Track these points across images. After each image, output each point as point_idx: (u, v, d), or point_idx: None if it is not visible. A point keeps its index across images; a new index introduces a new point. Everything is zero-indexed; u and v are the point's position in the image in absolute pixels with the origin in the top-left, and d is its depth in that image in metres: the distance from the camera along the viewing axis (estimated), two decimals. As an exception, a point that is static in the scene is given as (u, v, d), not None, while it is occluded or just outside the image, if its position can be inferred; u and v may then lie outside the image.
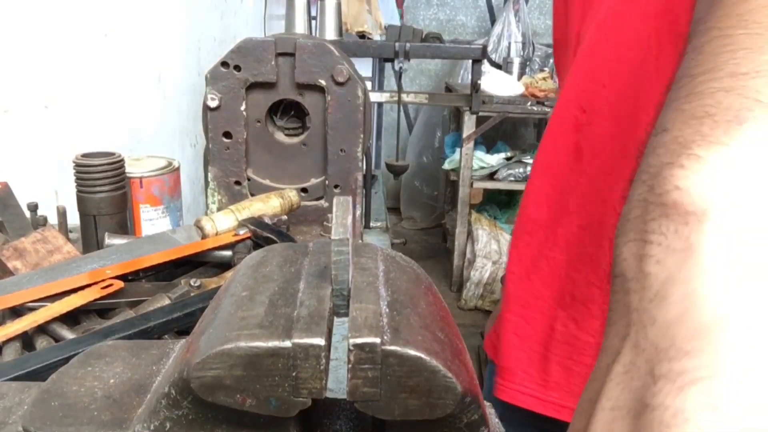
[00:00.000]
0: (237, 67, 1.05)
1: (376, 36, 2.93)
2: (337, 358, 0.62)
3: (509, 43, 3.53)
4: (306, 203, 1.10)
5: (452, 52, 2.21)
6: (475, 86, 1.94)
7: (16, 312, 0.68)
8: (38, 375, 0.54)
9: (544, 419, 0.75)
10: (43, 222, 0.89)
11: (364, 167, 1.14)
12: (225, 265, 0.86)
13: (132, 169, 0.97)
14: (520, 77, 3.19)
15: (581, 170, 0.73)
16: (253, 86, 1.07)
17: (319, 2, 2.51)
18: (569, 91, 0.76)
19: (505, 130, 3.55)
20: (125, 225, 0.93)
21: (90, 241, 0.90)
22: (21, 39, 1.11)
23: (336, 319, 0.32)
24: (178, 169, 1.03)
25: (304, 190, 1.12)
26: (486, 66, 2.91)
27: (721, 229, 0.26)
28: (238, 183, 1.11)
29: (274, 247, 0.38)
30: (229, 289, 0.34)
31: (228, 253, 0.86)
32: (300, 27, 2.42)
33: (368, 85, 1.11)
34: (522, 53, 3.52)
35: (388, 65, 2.21)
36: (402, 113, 2.89)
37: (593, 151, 0.72)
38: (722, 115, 0.28)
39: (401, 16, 3.88)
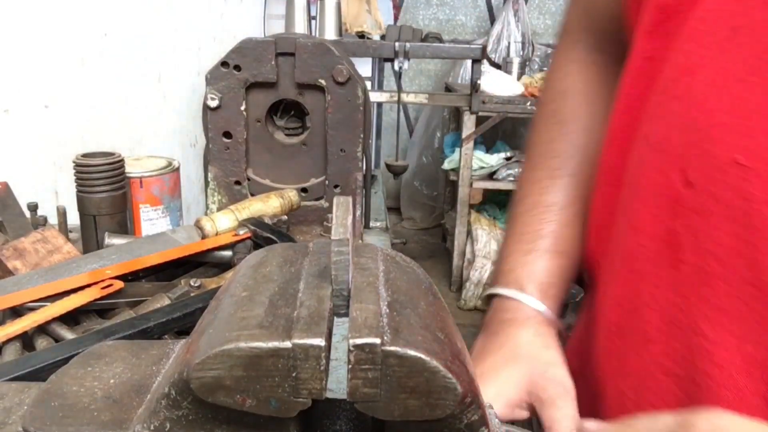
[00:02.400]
0: (237, 67, 1.05)
1: (376, 36, 2.93)
2: (337, 359, 0.62)
3: (509, 43, 3.52)
4: (306, 203, 1.11)
5: (452, 52, 2.21)
6: (474, 86, 1.94)
7: (16, 312, 0.68)
8: (38, 375, 0.54)
9: None
10: (43, 222, 0.89)
11: (364, 167, 1.14)
12: (225, 265, 0.86)
13: (132, 169, 0.97)
14: (519, 77, 3.19)
15: (675, 278, 0.49)
16: (253, 86, 1.07)
17: (318, 2, 2.51)
18: (663, 139, 0.50)
19: (505, 130, 3.55)
20: (125, 225, 0.93)
21: (90, 241, 0.90)
22: (21, 39, 1.11)
23: (336, 320, 0.32)
24: (178, 169, 1.03)
25: (304, 190, 1.12)
26: (485, 66, 2.91)
27: None
28: (238, 183, 1.11)
29: (274, 247, 0.38)
30: (229, 289, 0.34)
31: (228, 253, 0.86)
32: (300, 27, 2.42)
33: (368, 85, 1.11)
34: (521, 53, 3.52)
35: (387, 65, 2.21)
36: (402, 113, 2.89)
37: (699, 248, 0.47)
38: None
39: (395, 18, 3.88)
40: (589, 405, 0.57)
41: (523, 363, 0.58)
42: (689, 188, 0.47)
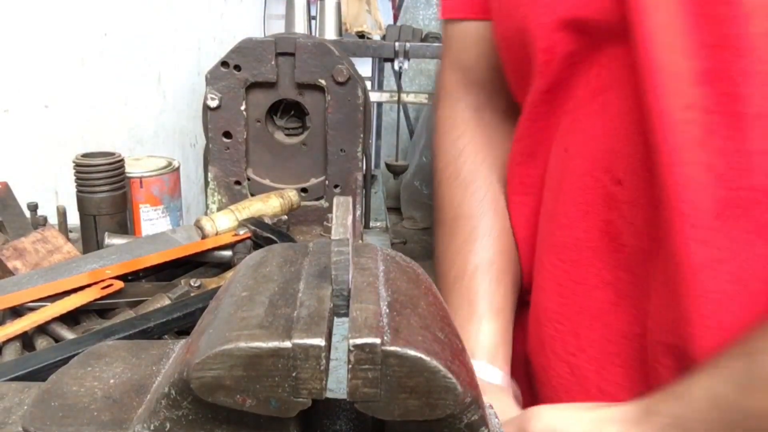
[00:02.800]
0: (237, 67, 1.05)
1: (376, 36, 2.93)
2: (337, 359, 0.61)
3: (509, 43, 3.52)
4: (306, 203, 1.11)
5: (452, 52, 2.20)
6: (475, 86, 1.93)
7: (16, 312, 0.68)
8: (38, 375, 0.54)
9: None
10: (43, 222, 0.89)
11: (364, 167, 1.14)
12: (225, 265, 0.86)
13: (132, 169, 0.97)
14: (519, 77, 3.18)
15: (615, 257, 0.57)
16: (253, 86, 1.07)
17: (318, 2, 2.51)
18: (580, 150, 0.59)
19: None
20: (125, 225, 0.93)
21: (90, 241, 0.90)
22: (21, 39, 1.11)
23: (336, 320, 0.32)
24: (178, 169, 1.03)
25: (304, 190, 1.12)
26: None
27: None
28: (238, 183, 1.11)
29: (274, 247, 0.38)
30: (229, 290, 0.34)
31: (228, 253, 0.86)
32: (300, 27, 2.42)
33: (368, 85, 1.11)
34: (522, 53, 3.51)
35: (387, 65, 2.21)
36: (402, 113, 2.89)
37: (636, 233, 0.55)
38: None
39: (395, 18, 3.87)
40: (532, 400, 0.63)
41: None
42: (619, 185, 0.55)
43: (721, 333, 0.48)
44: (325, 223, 1.06)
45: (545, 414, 0.51)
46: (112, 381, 0.37)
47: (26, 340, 0.66)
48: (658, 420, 0.48)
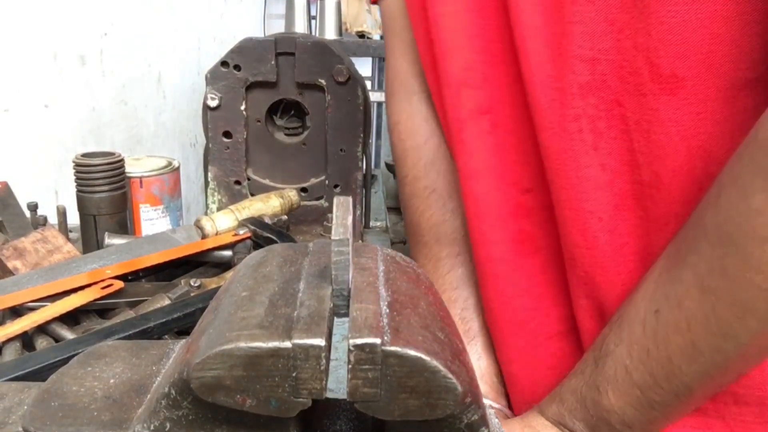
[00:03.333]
0: (237, 67, 1.05)
1: (376, 36, 2.93)
2: (337, 359, 0.61)
3: (509, 43, 3.52)
4: (306, 203, 1.10)
5: (452, 52, 2.21)
6: (475, 86, 1.93)
7: (16, 312, 0.68)
8: (38, 375, 0.54)
9: None
10: (43, 222, 0.89)
11: (364, 167, 1.14)
12: (225, 265, 0.86)
13: (132, 169, 0.97)
14: (520, 77, 3.18)
15: (531, 263, 0.61)
16: (253, 86, 1.07)
17: (318, 2, 2.51)
18: (479, 168, 0.62)
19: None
20: (125, 225, 0.93)
21: (90, 241, 0.90)
22: (21, 39, 1.11)
23: (336, 320, 0.32)
24: (177, 168, 1.03)
25: (304, 189, 1.12)
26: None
27: None
28: (238, 183, 1.11)
29: (274, 247, 0.38)
30: (229, 290, 0.34)
31: (228, 253, 0.86)
32: (300, 26, 2.42)
33: (368, 85, 1.11)
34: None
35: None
36: (402, 113, 2.89)
37: (548, 234, 0.60)
38: None
39: None
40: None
41: None
42: (527, 193, 0.60)
43: None
44: (325, 223, 1.06)
45: None
46: (112, 381, 0.37)
47: (26, 340, 0.66)
48: (545, 420, 0.55)
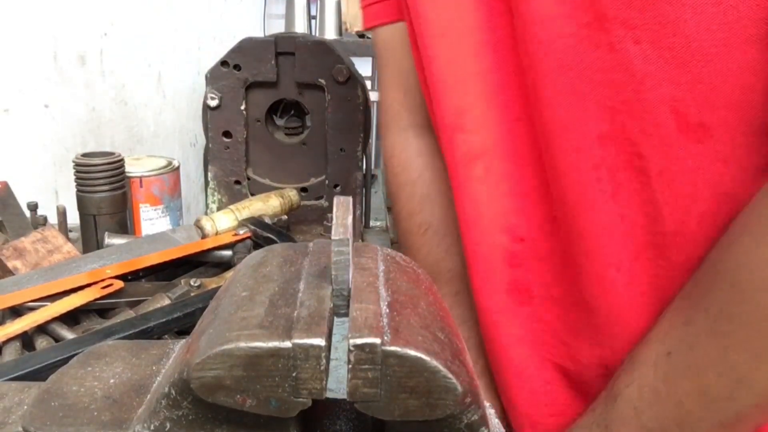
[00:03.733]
0: (237, 67, 1.05)
1: (376, 35, 2.92)
2: (337, 359, 0.61)
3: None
4: (306, 203, 1.10)
5: (452, 52, 2.20)
6: (475, 86, 1.93)
7: (16, 312, 0.68)
8: (38, 375, 0.54)
9: None
10: (43, 222, 0.89)
11: (364, 167, 1.14)
12: (225, 265, 0.86)
13: (132, 168, 0.97)
14: (520, 77, 3.17)
15: (527, 316, 0.60)
16: (253, 85, 1.07)
17: (318, 2, 2.51)
18: (474, 218, 0.60)
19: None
20: (125, 225, 0.93)
21: (90, 241, 0.90)
22: (21, 39, 1.11)
23: (336, 319, 0.32)
24: (177, 168, 1.03)
25: (304, 189, 1.12)
26: (486, 65, 2.91)
27: None
28: (238, 183, 1.11)
29: (274, 247, 0.38)
30: (229, 289, 0.34)
31: (228, 253, 0.86)
32: (300, 26, 2.42)
33: (368, 85, 1.11)
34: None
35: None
36: (402, 113, 2.88)
37: (541, 283, 0.59)
38: None
39: None
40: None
41: None
42: (520, 242, 0.58)
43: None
44: (325, 223, 1.06)
45: None
46: (112, 381, 0.37)
47: (26, 340, 0.66)
48: None
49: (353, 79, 1.06)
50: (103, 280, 0.72)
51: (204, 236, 0.88)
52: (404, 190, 0.73)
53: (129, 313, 0.70)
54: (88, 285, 0.71)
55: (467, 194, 0.60)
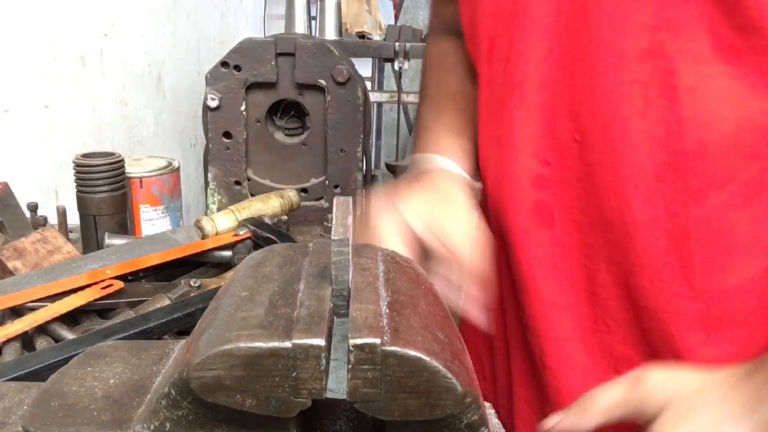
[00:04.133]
0: (237, 67, 1.05)
1: (376, 36, 2.92)
2: (337, 359, 0.61)
3: (509, 43, 3.51)
4: (306, 203, 1.10)
5: (452, 52, 2.20)
6: (475, 86, 1.93)
7: (16, 312, 0.68)
8: (38, 375, 0.54)
9: None
10: (43, 222, 0.89)
11: (364, 167, 1.14)
12: (225, 265, 0.86)
13: (132, 169, 0.97)
14: (519, 77, 3.17)
15: (549, 240, 0.61)
16: (253, 86, 1.07)
17: (318, 2, 2.50)
18: (511, 139, 0.62)
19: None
20: (125, 225, 0.93)
21: (90, 241, 0.90)
22: (21, 39, 1.11)
23: (336, 320, 0.32)
24: (178, 169, 1.03)
25: (304, 190, 1.12)
26: (486, 66, 2.91)
27: None
28: (238, 183, 1.11)
29: (274, 247, 0.38)
30: (228, 290, 0.34)
31: (228, 253, 0.86)
32: (300, 27, 2.42)
33: (368, 85, 1.11)
34: (522, 53, 3.50)
35: (388, 65, 2.21)
36: (402, 113, 2.89)
37: (564, 207, 0.60)
38: None
39: (395, 18, 3.87)
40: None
41: (434, 194, 0.63)
42: (547, 166, 0.60)
43: (663, 284, 0.55)
44: (325, 223, 1.06)
45: (659, 370, 0.53)
46: (112, 381, 0.37)
47: (26, 340, 0.66)
48: (760, 377, 0.49)
49: (353, 79, 1.06)
50: (103, 281, 0.72)
51: (204, 236, 0.88)
52: (428, 57, 0.80)
53: (129, 313, 0.70)
54: (88, 285, 0.71)
55: (502, 119, 0.63)
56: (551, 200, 0.61)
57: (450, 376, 0.29)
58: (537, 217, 0.62)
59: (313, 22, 2.55)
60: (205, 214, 1.00)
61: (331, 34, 2.46)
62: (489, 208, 0.67)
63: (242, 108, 1.07)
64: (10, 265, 0.77)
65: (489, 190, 0.67)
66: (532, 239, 0.62)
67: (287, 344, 0.28)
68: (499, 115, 0.64)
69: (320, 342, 0.28)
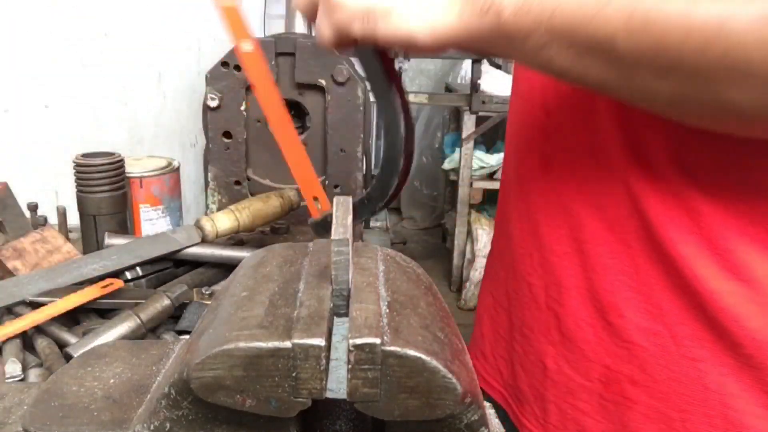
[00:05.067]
0: (237, 67, 1.05)
1: (376, 36, 2.92)
2: (337, 359, 0.61)
3: (509, 43, 3.51)
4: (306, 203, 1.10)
5: (452, 52, 2.21)
6: (474, 86, 1.94)
7: (16, 312, 0.68)
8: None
9: None
10: (43, 222, 0.89)
11: (364, 167, 1.14)
12: (225, 265, 0.86)
13: (132, 169, 0.97)
14: (519, 77, 3.18)
15: (550, 186, 0.63)
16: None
17: (319, 2, 2.50)
18: (528, 86, 0.65)
19: (505, 130, 3.55)
20: (125, 225, 0.93)
21: (90, 241, 0.90)
22: (21, 39, 1.11)
23: (336, 319, 0.32)
24: (178, 169, 1.03)
25: (304, 190, 1.12)
26: (486, 66, 2.91)
27: None
28: (238, 183, 1.11)
29: (274, 247, 0.38)
30: (229, 290, 0.34)
31: (228, 253, 0.86)
32: (300, 27, 2.42)
33: (368, 85, 1.11)
34: (522, 53, 3.51)
35: (387, 65, 2.20)
36: (402, 113, 2.88)
37: (562, 161, 0.61)
38: None
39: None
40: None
41: None
42: (549, 116, 0.61)
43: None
44: (325, 223, 1.06)
45: None
46: (112, 381, 0.37)
47: (26, 339, 0.66)
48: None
49: (353, 79, 1.06)
50: (102, 280, 0.72)
51: (204, 236, 0.88)
52: None
53: (129, 314, 0.70)
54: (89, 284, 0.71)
55: (520, 69, 0.66)
56: (552, 151, 0.63)
57: (450, 376, 0.29)
58: (545, 166, 0.64)
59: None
60: (205, 214, 1.00)
61: (331, 34, 2.45)
62: None
63: (242, 108, 1.07)
64: (9, 265, 0.77)
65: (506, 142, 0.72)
66: (539, 186, 0.64)
67: (287, 344, 0.28)
68: (520, 70, 0.68)
69: (320, 342, 0.28)
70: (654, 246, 0.55)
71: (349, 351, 0.28)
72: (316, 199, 0.69)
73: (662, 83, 0.43)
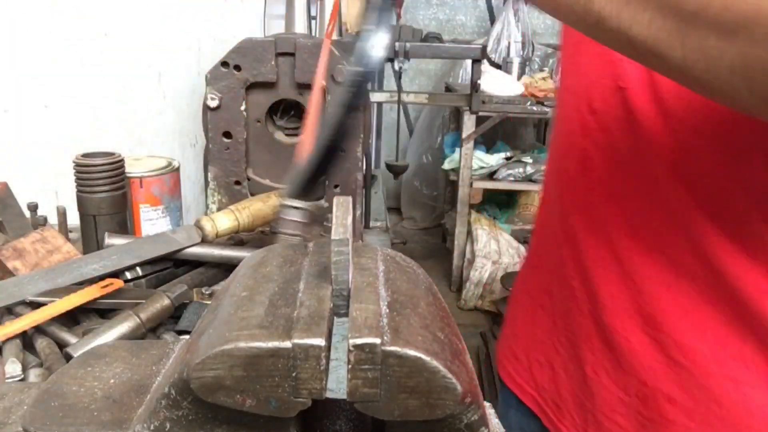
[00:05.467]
0: (237, 67, 1.05)
1: (376, 36, 2.91)
2: (337, 359, 0.61)
3: (509, 43, 3.52)
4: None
5: (452, 52, 2.21)
6: (474, 86, 1.94)
7: (16, 312, 0.68)
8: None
9: None
10: (43, 222, 0.89)
11: (364, 167, 1.14)
12: (225, 265, 0.86)
13: (132, 169, 0.97)
14: (519, 77, 3.18)
15: (588, 186, 0.62)
16: (253, 86, 1.07)
17: (318, 2, 2.50)
18: (576, 84, 0.65)
19: (505, 130, 3.55)
20: (125, 225, 0.93)
21: (90, 241, 0.90)
22: (21, 39, 1.11)
23: (336, 320, 0.32)
24: (178, 169, 1.03)
25: (304, 190, 1.12)
26: (485, 66, 2.91)
27: None
28: (238, 183, 1.11)
29: (274, 247, 0.38)
30: (228, 290, 0.34)
31: (228, 253, 0.86)
32: (300, 27, 2.42)
33: (368, 85, 1.11)
34: (522, 53, 3.51)
35: (387, 65, 2.21)
36: (402, 113, 2.89)
37: (602, 164, 0.61)
38: None
39: (398, 17, 3.86)
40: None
41: None
42: (593, 114, 0.61)
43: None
44: (325, 223, 1.06)
45: None
46: (112, 381, 0.37)
47: (26, 339, 0.66)
48: None
49: (353, 79, 1.06)
50: (102, 280, 0.72)
51: (204, 236, 0.88)
52: None
53: (129, 314, 0.70)
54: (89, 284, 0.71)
55: (570, 66, 0.67)
56: (592, 148, 0.64)
57: (450, 376, 0.29)
58: (580, 164, 0.65)
59: (313, 22, 2.55)
60: (205, 213, 1.00)
61: (331, 34, 2.45)
62: None
63: (242, 108, 1.07)
64: (9, 265, 0.77)
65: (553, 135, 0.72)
66: (576, 184, 0.65)
67: (287, 344, 0.28)
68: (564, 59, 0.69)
69: (320, 342, 0.28)
70: (701, 259, 0.52)
71: (349, 351, 0.28)
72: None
73: (727, 45, 0.37)
